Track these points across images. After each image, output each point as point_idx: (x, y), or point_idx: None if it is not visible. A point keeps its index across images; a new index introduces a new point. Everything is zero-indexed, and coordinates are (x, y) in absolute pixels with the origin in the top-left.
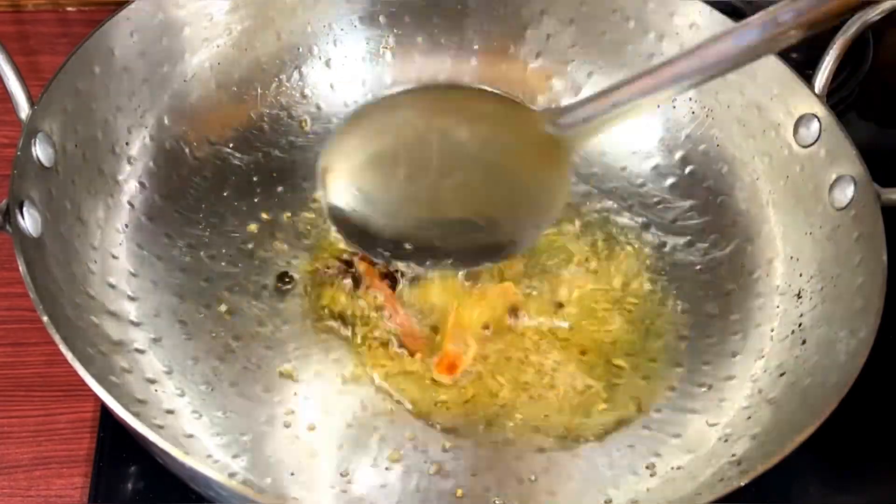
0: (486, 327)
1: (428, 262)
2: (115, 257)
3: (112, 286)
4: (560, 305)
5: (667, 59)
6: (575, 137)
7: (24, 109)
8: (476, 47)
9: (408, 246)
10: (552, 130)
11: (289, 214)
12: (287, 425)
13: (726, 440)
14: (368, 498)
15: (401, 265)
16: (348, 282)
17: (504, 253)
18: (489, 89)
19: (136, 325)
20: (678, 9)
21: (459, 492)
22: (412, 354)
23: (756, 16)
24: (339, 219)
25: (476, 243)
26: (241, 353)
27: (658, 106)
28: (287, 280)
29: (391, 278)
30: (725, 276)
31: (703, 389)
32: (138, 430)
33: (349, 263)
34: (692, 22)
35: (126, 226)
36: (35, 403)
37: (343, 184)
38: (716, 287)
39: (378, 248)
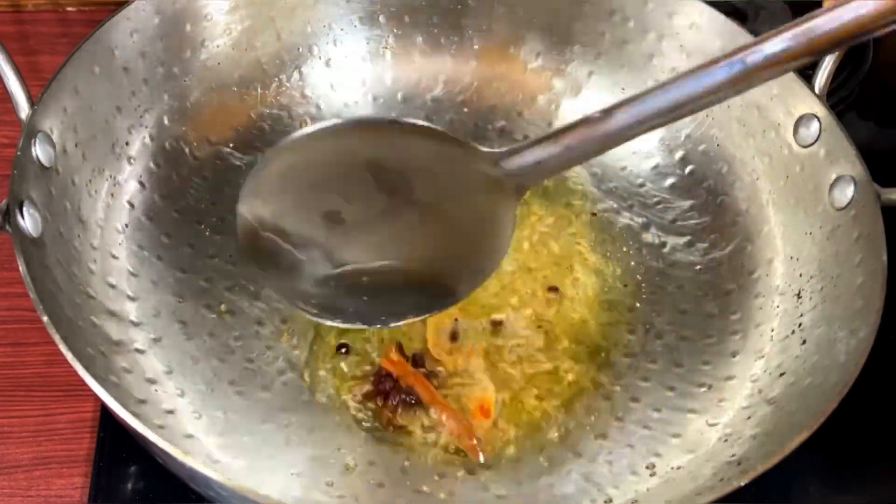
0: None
1: (359, 320)
2: (115, 257)
3: (112, 286)
4: (559, 305)
5: (622, 100)
6: (522, 181)
7: (24, 109)
8: (476, 47)
9: (337, 301)
10: (498, 173)
11: None
12: (287, 425)
13: (726, 440)
14: (368, 498)
15: (329, 322)
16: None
17: (439, 305)
18: (433, 127)
19: (136, 325)
20: (678, 9)
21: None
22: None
23: (722, 56)
24: (261, 264)
25: (410, 294)
26: (240, 353)
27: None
28: None
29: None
30: (725, 276)
31: (703, 389)
32: (138, 430)
33: (379, 379)
34: (692, 22)
35: (126, 226)
36: (35, 403)
37: (265, 226)
38: (716, 287)
39: (303, 302)
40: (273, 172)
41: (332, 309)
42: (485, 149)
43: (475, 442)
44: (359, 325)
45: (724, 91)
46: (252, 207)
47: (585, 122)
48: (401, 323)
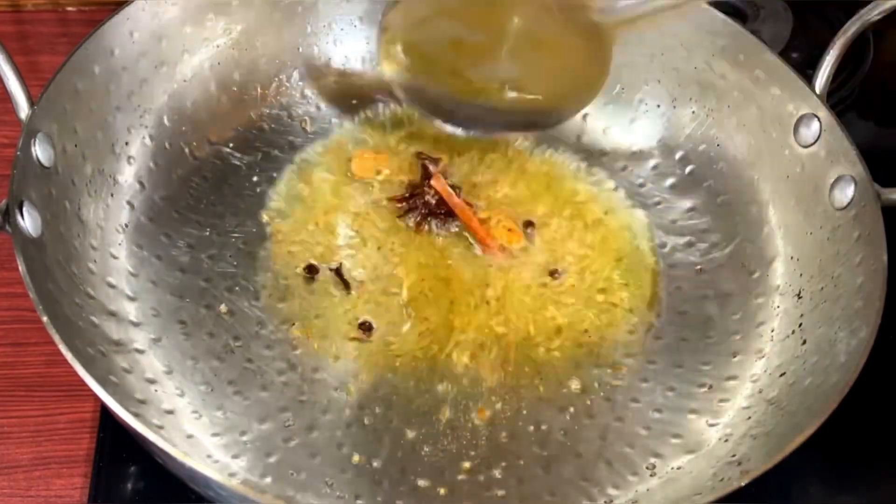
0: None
1: (478, 127)
2: (115, 257)
3: (112, 286)
4: (561, 305)
5: None
6: (618, 24)
7: (23, 109)
8: None
9: (459, 112)
10: (597, 17)
11: (289, 214)
12: (287, 425)
13: (726, 440)
14: (368, 496)
15: (450, 128)
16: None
17: (548, 123)
18: None
19: (135, 325)
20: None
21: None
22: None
23: None
24: (397, 80)
25: (522, 113)
26: (240, 353)
27: (667, 107)
28: (314, 271)
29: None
30: (725, 276)
31: (704, 389)
32: (138, 430)
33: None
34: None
35: (126, 226)
36: (35, 403)
37: (401, 49)
38: (716, 287)
39: (432, 110)
40: (412, 7)
41: (455, 118)
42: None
43: (493, 240)
44: (479, 133)
45: None
46: (396, 21)
47: None
48: (515, 133)
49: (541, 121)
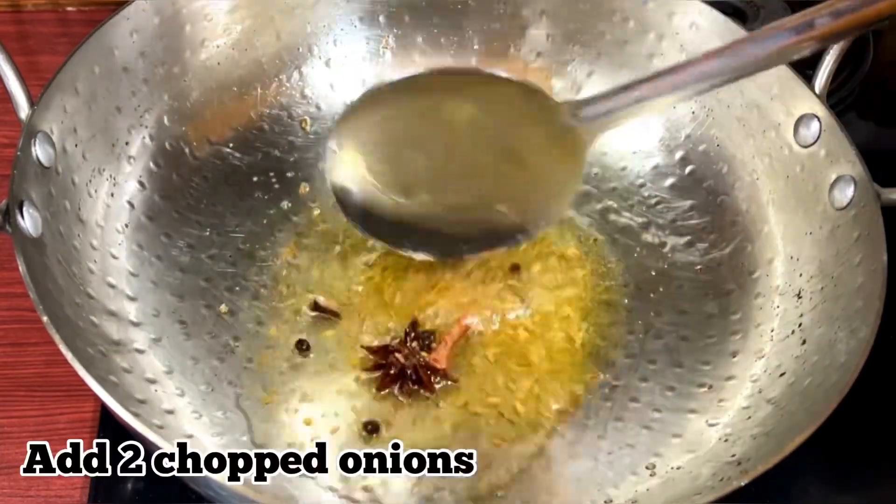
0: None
1: (436, 251)
2: (115, 257)
3: (112, 286)
4: (559, 305)
5: (690, 59)
6: (593, 129)
7: (24, 109)
8: (476, 47)
9: (417, 233)
10: (571, 122)
11: (289, 214)
12: (287, 425)
13: (726, 440)
14: (368, 497)
15: (411, 254)
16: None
17: (513, 240)
18: (509, 76)
19: (136, 325)
20: (678, 8)
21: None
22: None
23: (787, 19)
24: (347, 203)
25: (486, 229)
26: (241, 353)
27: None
28: (305, 347)
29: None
30: (725, 276)
31: (703, 389)
32: (138, 430)
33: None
34: (692, 21)
35: (126, 226)
36: (35, 403)
37: (352, 166)
38: (716, 287)
39: (386, 235)
40: (363, 116)
41: (411, 242)
42: (558, 99)
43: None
44: (435, 257)
45: (786, 54)
46: (342, 146)
47: (653, 76)
48: (475, 255)
49: (506, 237)
